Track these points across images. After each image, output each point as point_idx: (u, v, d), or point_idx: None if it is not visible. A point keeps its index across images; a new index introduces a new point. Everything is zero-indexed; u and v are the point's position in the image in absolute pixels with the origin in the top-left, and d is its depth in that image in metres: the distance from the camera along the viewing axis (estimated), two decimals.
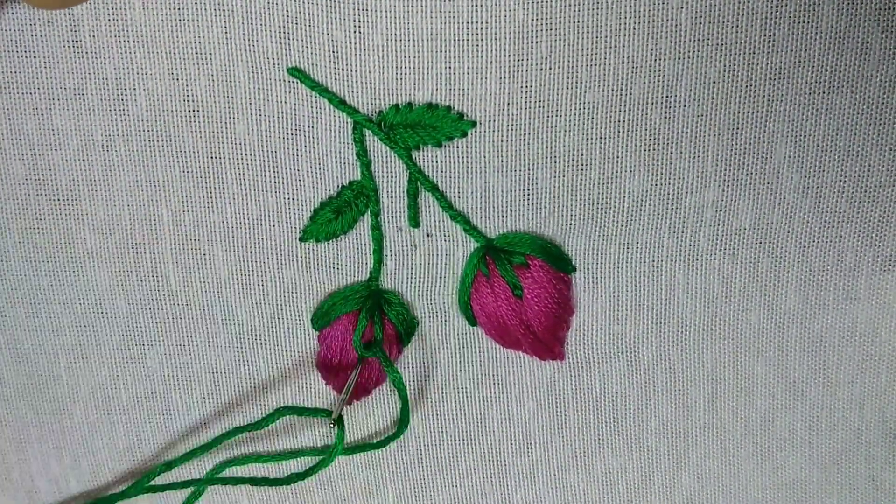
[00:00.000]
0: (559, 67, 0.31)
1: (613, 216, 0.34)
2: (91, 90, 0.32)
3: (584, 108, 0.32)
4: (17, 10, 0.31)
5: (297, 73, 0.32)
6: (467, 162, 0.33)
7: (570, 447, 0.38)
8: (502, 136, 0.32)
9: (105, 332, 0.36)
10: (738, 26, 0.31)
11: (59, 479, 0.38)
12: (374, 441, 0.36)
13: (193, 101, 0.32)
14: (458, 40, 0.31)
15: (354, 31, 0.31)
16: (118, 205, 0.34)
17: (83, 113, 0.32)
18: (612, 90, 0.32)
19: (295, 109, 0.32)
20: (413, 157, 0.33)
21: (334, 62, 0.31)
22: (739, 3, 0.31)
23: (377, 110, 0.32)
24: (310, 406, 0.37)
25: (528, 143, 0.32)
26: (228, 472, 0.37)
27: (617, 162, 0.33)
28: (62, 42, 0.31)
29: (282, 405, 0.36)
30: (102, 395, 0.37)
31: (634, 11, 0.31)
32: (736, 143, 0.33)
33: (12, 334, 0.36)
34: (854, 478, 0.39)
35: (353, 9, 0.30)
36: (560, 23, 0.30)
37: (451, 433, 0.37)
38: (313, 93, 0.32)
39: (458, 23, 0.30)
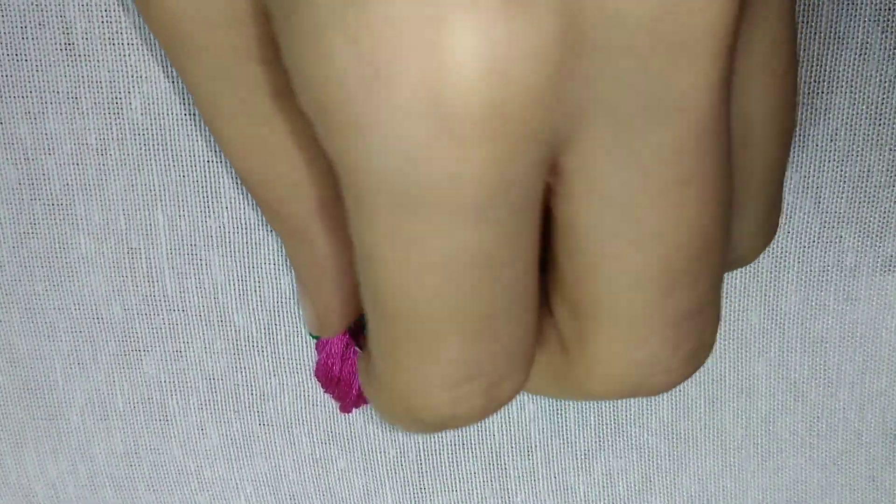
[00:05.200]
0: None
1: None
2: (85, 94, 0.32)
3: None
4: (7, 14, 0.31)
5: None
6: None
7: (570, 449, 0.38)
8: None
9: (101, 337, 0.35)
10: None
11: (56, 483, 0.38)
12: None
13: (189, 103, 0.32)
14: None
15: None
16: (113, 209, 0.33)
17: (77, 117, 0.32)
18: None
19: None
20: None
21: None
22: None
23: None
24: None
25: None
26: None
27: None
28: (55, 45, 0.31)
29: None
30: (99, 400, 0.37)
31: None
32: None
33: (7, 340, 0.36)
34: (855, 479, 0.39)
35: None
36: None
37: (451, 437, 0.37)
38: None
39: None
